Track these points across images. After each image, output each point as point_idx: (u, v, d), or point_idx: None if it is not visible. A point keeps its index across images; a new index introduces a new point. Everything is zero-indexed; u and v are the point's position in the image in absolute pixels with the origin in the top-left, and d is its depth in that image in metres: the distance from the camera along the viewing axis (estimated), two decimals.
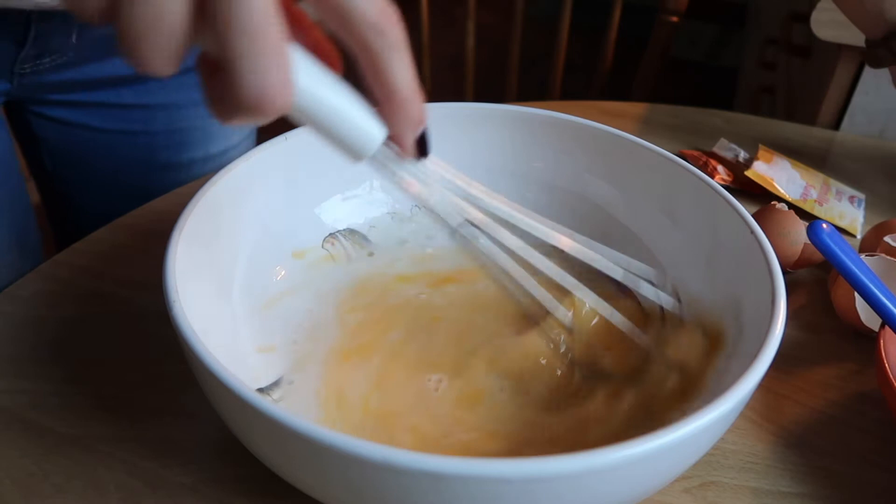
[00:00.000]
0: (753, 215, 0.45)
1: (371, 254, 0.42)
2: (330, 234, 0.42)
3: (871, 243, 0.46)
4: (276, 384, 0.34)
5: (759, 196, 0.54)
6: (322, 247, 0.41)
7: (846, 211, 0.54)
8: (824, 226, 0.34)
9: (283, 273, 0.39)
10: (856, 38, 0.62)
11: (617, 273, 0.36)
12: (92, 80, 0.53)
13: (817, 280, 0.47)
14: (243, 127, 0.64)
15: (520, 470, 0.21)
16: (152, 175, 0.60)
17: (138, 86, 0.55)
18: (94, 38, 0.50)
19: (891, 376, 0.34)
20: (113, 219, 0.48)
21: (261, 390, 0.33)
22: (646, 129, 0.65)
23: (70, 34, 0.48)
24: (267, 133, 0.38)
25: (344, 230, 0.43)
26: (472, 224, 0.32)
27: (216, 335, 0.32)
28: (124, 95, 0.55)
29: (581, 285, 0.35)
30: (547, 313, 0.35)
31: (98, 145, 0.57)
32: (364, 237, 0.43)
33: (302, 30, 0.25)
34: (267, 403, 0.23)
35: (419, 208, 0.44)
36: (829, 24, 0.62)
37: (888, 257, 0.42)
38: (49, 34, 0.47)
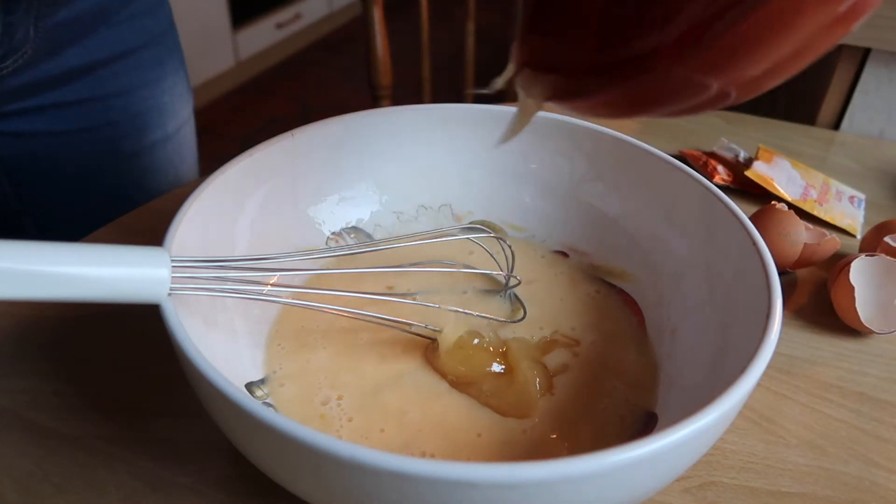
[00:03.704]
0: (753, 215, 0.45)
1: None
2: (334, 232, 0.42)
3: (871, 243, 0.46)
4: (264, 380, 0.34)
5: (759, 196, 0.54)
6: (326, 244, 0.41)
7: (846, 211, 0.54)
8: None
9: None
10: (856, 38, 0.62)
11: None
12: (48, 77, 0.52)
13: (817, 280, 0.47)
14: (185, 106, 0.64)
15: (522, 474, 0.21)
16: (120, 167, 0.59)
17: (91, 77, 0.54)
18: (49, 27, 0.49)
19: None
20: (87, 223, 0.48)
21: (250, 385, 0.33)
22: (646, 128, 0.65)
23: (29, 26, 0.48)
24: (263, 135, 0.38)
25: (348, 228, 0.43)
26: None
27: (209, 330, 0.32)
28: (80, 90, 0.54)
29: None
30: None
31: (61, 150, 0.56)
32: (369, 236, 0.43)
33: None
34: (235, 393, 0.23)
35: (425, 208, 0.44)
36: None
37: (888, 257, 0.42)
38: (15, 28, 0.47)
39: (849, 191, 0.57)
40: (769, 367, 0.27)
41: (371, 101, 0.94)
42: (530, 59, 0.26)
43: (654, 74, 0.22)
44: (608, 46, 0.23)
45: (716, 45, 0.20)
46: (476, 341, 0.35)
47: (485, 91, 0.29)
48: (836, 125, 0.69)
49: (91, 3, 0.51)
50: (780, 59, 0.21)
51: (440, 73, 1.11)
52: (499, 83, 0.28)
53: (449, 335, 0.35)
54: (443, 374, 0.35)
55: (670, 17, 0.21)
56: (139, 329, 0.39)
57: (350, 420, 0.32)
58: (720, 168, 0.57)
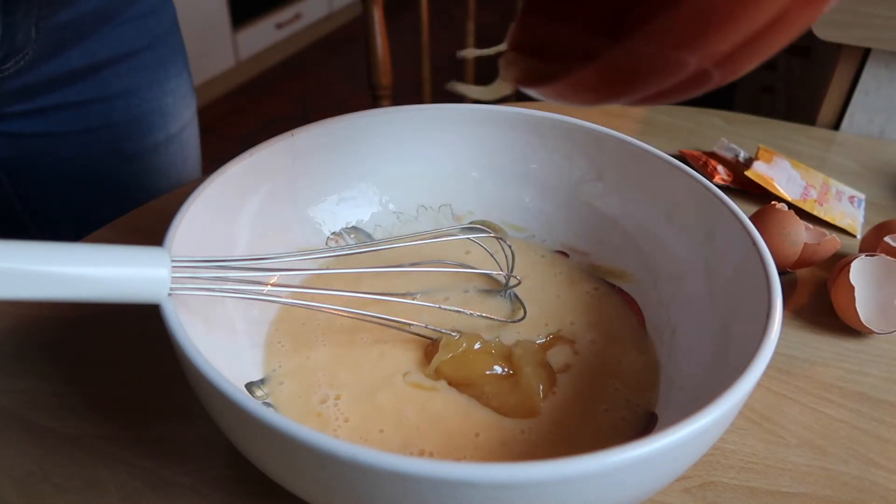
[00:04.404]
0: (753, 215, 0.45)
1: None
2: (333, 233, 0.42)
3: (871, 243, 0.46)
4: (264, 380, 0.34)
5: (759, 196, 0.54)
6: (326, 244, 0.41)
7: (846, 211, 0.54)
8: None
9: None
10: (856, 38, 0.62)
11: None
12: (50, 79, 0.52)
13: (817, 280, 0.47)
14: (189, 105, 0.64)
15: (522, 474, 0.21)
16: (122, 169, 0.59)
17: (93, 78, 0.54)
18: (50, 28, 0.49)
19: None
20: (88, 224, 0.48)
21: (250, 385, 0.33)
22: (646, 129, 0.65)
23: (30, 27, 0.48)
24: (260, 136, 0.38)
25: (348, 228, 0.43)
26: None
27: (209, 330, 0.32)
28: (82, 91, 0.54)
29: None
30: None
31: (63, 152, 0.56)
32: (369, 236, 0.43)
33: None
34: (235, 393, 0.24)
35: (425, 208, 0.44)
36: (829, 24, 0.61)
37: (888, 257, 0.42)
38: (15, 29, 0.47)
39: (849, 191, 0.57)
40: (769, 367, 0.27)
41: (371, 101, 0.94)
42: (522, 38, 0.27)
43: (627, 48, 0.21)
44: (599, 20, 0.23)
45: (683, 13, 0.20)
46: (478, 346, 0.35)
47: (485, 52, 0.30)
48: (836, 125, 0.69)
49: (93, 4, 0.51)
50: (751, 33, 0.20)
51: (440, 73, 1.11)
52: (491, 51, 0.29)
53: (449, 347, 0.35)
54: (443, 376, 0.35)
55: None
56: (139, 329, 0.39)
57: (347, 420, 0.32)
58: (720, 168, 0.57)
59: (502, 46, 0.28)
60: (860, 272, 0.42)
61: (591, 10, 0.24)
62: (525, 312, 0.38)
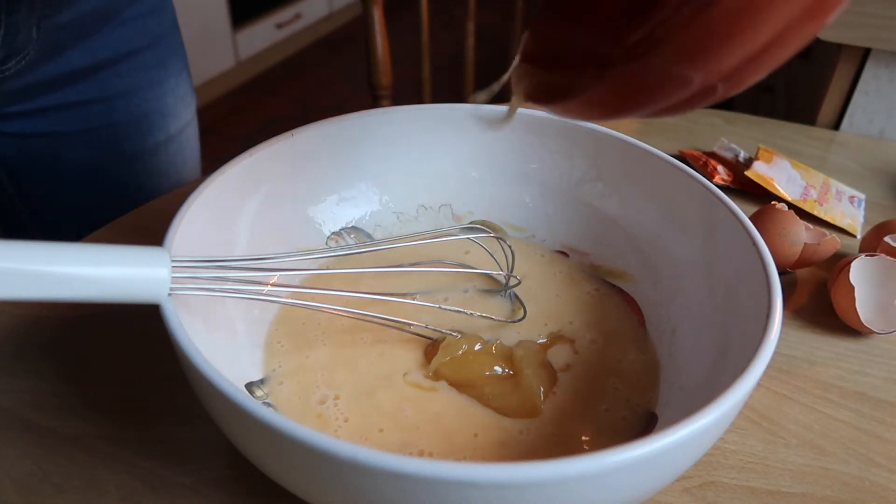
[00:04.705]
0: (753, 215, 0.45)
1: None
2: (334, 232, 0.42)
3: (871, 243, 0.46)
4: (264, 380, 0.34)
5: (758, 196, 0.54)
6: (326, 244, 0.41)
7: (846, 211, 0.54)
8: None
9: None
10: (856, 38, 0.62)
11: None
12: (50, 79, 0.52)
13: (817, 280, 0.47)
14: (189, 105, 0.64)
15: (523, 474, 0.21)
16: (122, 169, 0.59)
17: (94, 78, 0.54)
18: (51, 28, 0.49)
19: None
20: (88, 224, 0.48)
21: (250, 385, 0.33)
22: (646, 128, 0.65)
23: (32, 27, 0.48)
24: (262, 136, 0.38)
25: (348, 228, 0.43)
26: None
27: (209, 330, 0.32)
28: (82, 91, 0.54)
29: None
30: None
31: (63, 151, 0.56)
32: (369, 236, 0.43)
33: None
34: (235, 393, 0.24)
35: (425, 208, 0.44)
36: (830, 24, 0.62)
37: (888, 257, 0.42)
38: (17, 29, 0.47)
39: (849, 191, 0.57)
40: (769, 367, 0.27)
41: (371, 101, 0.94)
42: (535, 49, 0.27)
43: (636, 65, 0.22)
44: (614, 29, 0.23)
45: (688, 32, 0.20)
46: (478, 347, 0.35)
47: (483, 94, 0.30)
48: (836, 125, 0.69)
49: (93, 4, 0.51)
50: (754, 50, 0.21)
51: (440, 73, 1.11)
52: (495, 88, 0.29)
53: (449, 348, 0.35)
54: (443, 377, 0.35)
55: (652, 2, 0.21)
56: (139, 329, 0.39)
57: (346, 420, 0.32)
58: (720, 168, 0.57)
59: (512, 66, 0.28)
60: (860, 272, 0.42)
61: (603, 20, 0.24)
62: (525, 312, 0.38)
